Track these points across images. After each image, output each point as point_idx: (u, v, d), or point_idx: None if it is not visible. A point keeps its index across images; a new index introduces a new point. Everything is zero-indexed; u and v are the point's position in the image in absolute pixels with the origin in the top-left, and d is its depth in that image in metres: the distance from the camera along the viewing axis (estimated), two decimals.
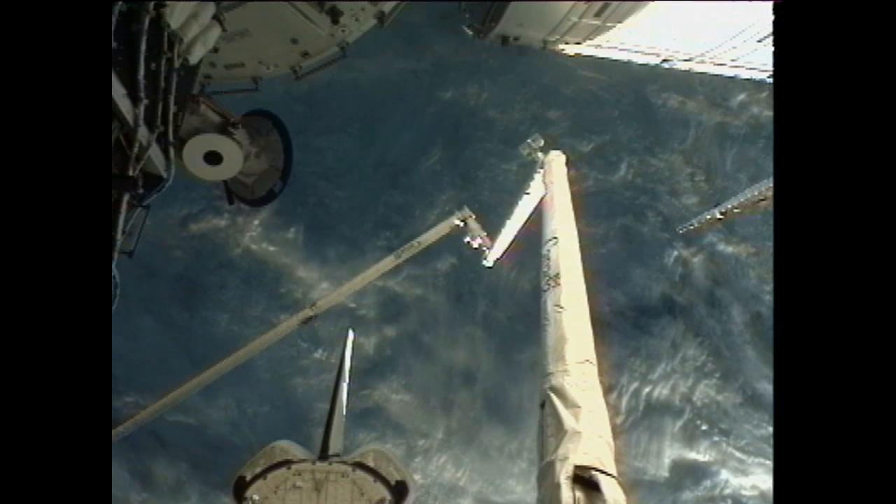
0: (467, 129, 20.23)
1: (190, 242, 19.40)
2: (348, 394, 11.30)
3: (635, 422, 19.51)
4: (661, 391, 19.71)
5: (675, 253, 20.33)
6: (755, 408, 19.29)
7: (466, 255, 19.75)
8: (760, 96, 20.38)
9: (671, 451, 19.56)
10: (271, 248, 19.57)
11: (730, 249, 20.37)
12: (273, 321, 19.03)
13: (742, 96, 20.91)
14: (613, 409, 18.78)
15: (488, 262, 9.76)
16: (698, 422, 19.58)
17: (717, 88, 21.01)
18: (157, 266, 18.72)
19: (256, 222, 19.68)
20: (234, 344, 18.47)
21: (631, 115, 20.74)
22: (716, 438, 19.52)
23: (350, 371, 12.03)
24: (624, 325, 19.76)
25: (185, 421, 18.41)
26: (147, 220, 4.52)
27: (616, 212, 20.21)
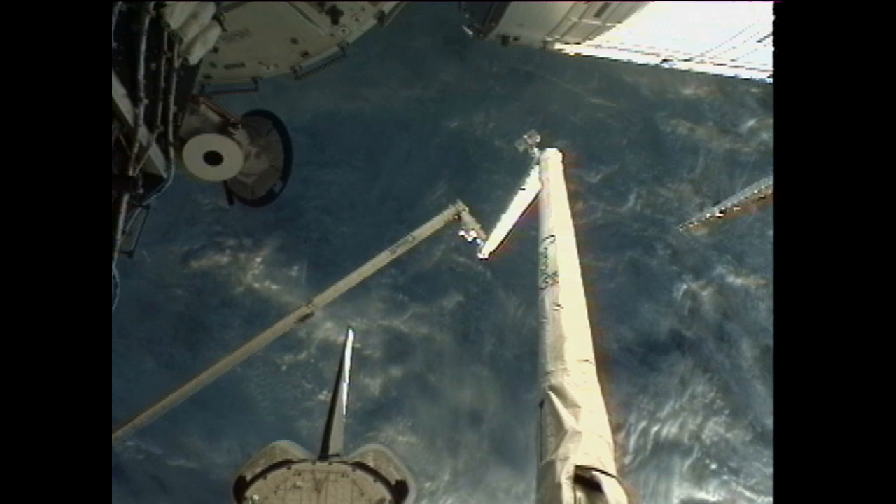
0: (474, 159, 20.05)
1: (191, 280, 19.16)
2: (348, 394, 11.27)
3: (643, 461, 19.26)
4: (669, 429, 19.48)
5: (684, 286, 20.13)
6: (765, 444, 18.94)
7: (473, 293, 19.83)
8: (770, 122, 20.06)
9: (680, 491, 19.28)
10: (274, 287, 19.30)
11: (739, 281, 20.19)
12: (276, 361, 18.85)
13: (752, 122, 20.71)
14: (621, 449, 18.53)
15: (483, 255, 9.88)
16: (707, 461, 19.31)
17: (727, 114, 20.85)
18: (158, 304, 18.45)
19: (259, 259, 19.40)
20: (238, 384, 18.44)
21: (640, 144, 20.57)
22: (725, 477, 19.23)
23: (350, 372, 12.00)
24: (632, 362, 19.55)
25: (187, 465, 18.13)
26: (146, 222, 4.52)
27: (624, 245, 20.04)
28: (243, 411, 18.20)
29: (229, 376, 17.80)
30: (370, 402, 19.00)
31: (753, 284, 20.03)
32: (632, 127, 20.50)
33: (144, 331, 18.14)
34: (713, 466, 19.26)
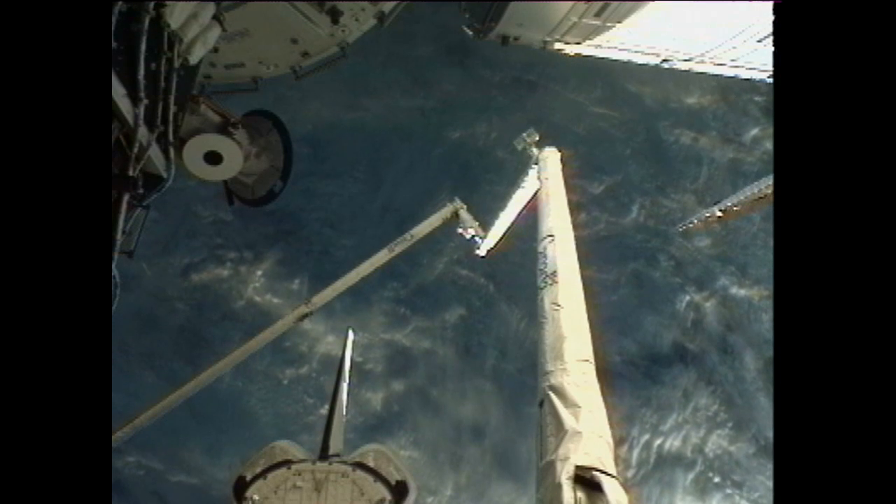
0: (476, 170, 19.86)
1: (192, 293, 18.98)
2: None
3: (646, 475, 19.13)
4: (672, 442, 19.32)
5: (688, 298, 19.99)
6: (769, 457, 18.70)
7: (475, 306, 19.76)
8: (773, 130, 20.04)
9: None
10: (275, 300, 19.12)
11: (742, 293, 20.07)
12: (277, 375, 18.73)
13: (755, 131, 20.61)
14: (624, 463, 18.47)
15: (481, 252, 9.90)
16: (710, 474, 19.15)
17: (730, 123, 20.75)
18: (158, 318, 18.31)
19: (260, 272, 19.24)
20: (239, 399, 18.31)
21: (643, 154, 20.45)
22: (728, 491, 19.05)
23: (350, 372, 11.99)
24: (635, 375, 19.42)
25: (188, 481, 17.96)
26: (146, 222, 4.53)
27: (627, 256, 19.92)
28: (244, 426, 18.01)
29: (230, 390, 17.97)
30: (372, 416, 18.87)
31: (756, 296, 19.94)
32: (635, 137, 20.42)
33: (145, 345, 18.00)
34: (716, 479, 19.12)
